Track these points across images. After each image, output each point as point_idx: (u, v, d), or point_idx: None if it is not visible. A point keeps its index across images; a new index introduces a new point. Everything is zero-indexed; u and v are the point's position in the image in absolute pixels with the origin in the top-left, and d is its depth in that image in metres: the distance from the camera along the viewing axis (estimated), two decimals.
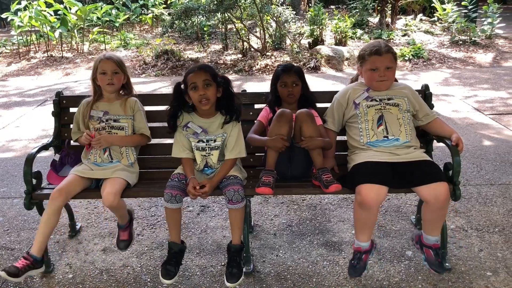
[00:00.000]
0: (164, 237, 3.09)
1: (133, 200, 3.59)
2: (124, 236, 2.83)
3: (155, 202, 3.58)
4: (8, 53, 10.61)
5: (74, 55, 10.11)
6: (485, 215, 3.28)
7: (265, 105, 2.92)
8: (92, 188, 2.65)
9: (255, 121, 2.83)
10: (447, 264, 2.66)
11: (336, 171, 2.82)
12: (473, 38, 9.93)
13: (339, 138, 2.92)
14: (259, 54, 9.18)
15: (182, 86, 2.62)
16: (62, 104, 2.99)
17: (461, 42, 9.92)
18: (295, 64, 2.95)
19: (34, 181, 2.63)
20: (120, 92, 2.89)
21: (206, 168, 2.66)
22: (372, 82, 2.73)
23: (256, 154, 2.95)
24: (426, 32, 11.05)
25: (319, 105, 2.95)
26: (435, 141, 2.86)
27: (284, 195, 3.54)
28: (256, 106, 3.01)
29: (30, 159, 2.60)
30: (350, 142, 2.79)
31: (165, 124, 2.90)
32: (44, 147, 2.83)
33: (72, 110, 2.99)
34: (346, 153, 2.85)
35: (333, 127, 2.82)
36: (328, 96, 2.99)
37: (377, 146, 2.63)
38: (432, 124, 2.79)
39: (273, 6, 8.78)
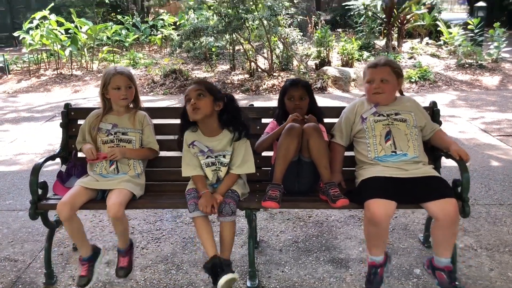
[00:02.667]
0: (169, 251, 3.06)
1: (139, 214, 3.57)
2: (124, 262, 2.67)
3: (161, 216, 3.56)
4: (18, 70, 10.76)
5: (83, 73, 10.23)
6: (494, 234, 3.23)
7: (272, 119, 2.92)
8: (98, 200, 2.64)
9: (262, 134, 2.83)
10: (457, 283, 2.60)
11: (343, 186, 2.79)
12: (479, 62, 9.96)
13: (346, 153, 2.91)
14: (266, 74, 9.24)
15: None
16: (70, 116, 3.00)
17: (467, 65, 9.95)
18: (303, 79, 2.96)
19: (40, 191, 2.62)
20: (129, 105, 2.90)
21: (217, 183, 2.65)
22: (369, 95, 2.75)
23: (262, 168, 2.94)
24: (432, 55, 11.09)
25: (326, 120, 2.94)
26: (443, 157, 2.85)
27: (290, 209, 3.51)
28: (263, 120, 3.02)
29: (36, 169, 2.60)
30: (357, 157, 2.77)
31: (172, 137, 2.91)
32: (51, 158, 2.83)
33: (80, 122, 3.00)
34: (353, 168, 2.83)
35: (341, 141, 2.81)
36: (335, 111, 2.99)
37: (385, 161, 2.61)
38: (434, 136, 2.79)
39: (280, 28, 8.87)
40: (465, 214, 2.53)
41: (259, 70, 9.45)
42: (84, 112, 2.95)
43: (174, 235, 3.29)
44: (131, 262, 2.67)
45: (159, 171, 2.97)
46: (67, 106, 3.02)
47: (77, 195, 2.53)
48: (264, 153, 2.95)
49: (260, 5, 8.73)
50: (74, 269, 2.86)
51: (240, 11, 8.64)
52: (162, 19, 13.70)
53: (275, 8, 8.41)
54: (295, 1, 9.49)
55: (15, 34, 10.73)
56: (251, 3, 8.82)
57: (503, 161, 4.81)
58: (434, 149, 2.88)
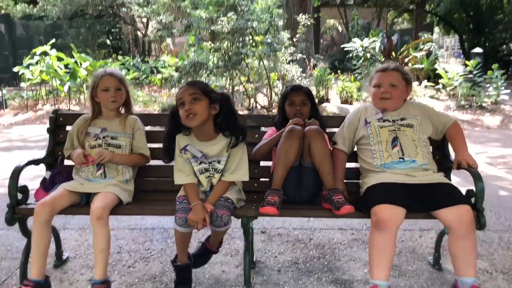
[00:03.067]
0: (158, 270, 2.81)
1: (127, 234, 3.34)
2: None
3: (150, 237, 3.32)
4: (16, 105, 10.68)
5: (81, 108, 10.16)
6: (510, 259, 3.00)
7: (271, 127, 2.77)
8: (82, 205, 2.43)
9: (261, 141, 2.66)
10: None
11: (346, 196, 2.58)
12: (479, 103, 9.94)
13: (348, 165, 2.73)
14: (265, 110, 9.18)
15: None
16: (58, 121, 2.85)
17: (467, 106, 9.93)
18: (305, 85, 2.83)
19: (19, 196, 2.43)
20: (120, 109, 2.75)
21: (211, 190, 2.46)
22: (376, 99, 2.60)
23: (260, 179, 2.76)
24: (432, 97, 11.11)
25: (328, 130, 2.78)
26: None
27: (289, 231, 3.29)
28: (262, 128, 2.86)
29: (17, 171, 2.44)
30: (362, 165, 2.59)
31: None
32: (34, 162, 2.66)
33: (68, 128, 2.84)
34: (357, 180, 2.65)
35: (343, 147, 2.63)
36: (337, 120, 2.83)
37: (392, 167, 2.43)
38: (447, 133, 2.62)
39: (279, 64, 8.88)
40: (481, 226, 2.33)
41: (259, 106, 9.40)
42: (73, 117, 2.80)
43: (164, 254, 3.04)
44: None
45: (149, 180, 2.77)
46: (55, 111, 2.87)
47: (59, 197, 2.33)
48: (262, 163, 2.78)
49: (260, 47, 8.75)
50: (53, 286, 2.59)
51: (239, 46, 8.68)
52: (163, 60, 13.82)
53: (274, 45, 8.45)
54: (294, 40, 9.55)
55: (15, 69, 10.72)
56: (251, 41, 8.88)
57: None
58: (443, 161, 2.72)
